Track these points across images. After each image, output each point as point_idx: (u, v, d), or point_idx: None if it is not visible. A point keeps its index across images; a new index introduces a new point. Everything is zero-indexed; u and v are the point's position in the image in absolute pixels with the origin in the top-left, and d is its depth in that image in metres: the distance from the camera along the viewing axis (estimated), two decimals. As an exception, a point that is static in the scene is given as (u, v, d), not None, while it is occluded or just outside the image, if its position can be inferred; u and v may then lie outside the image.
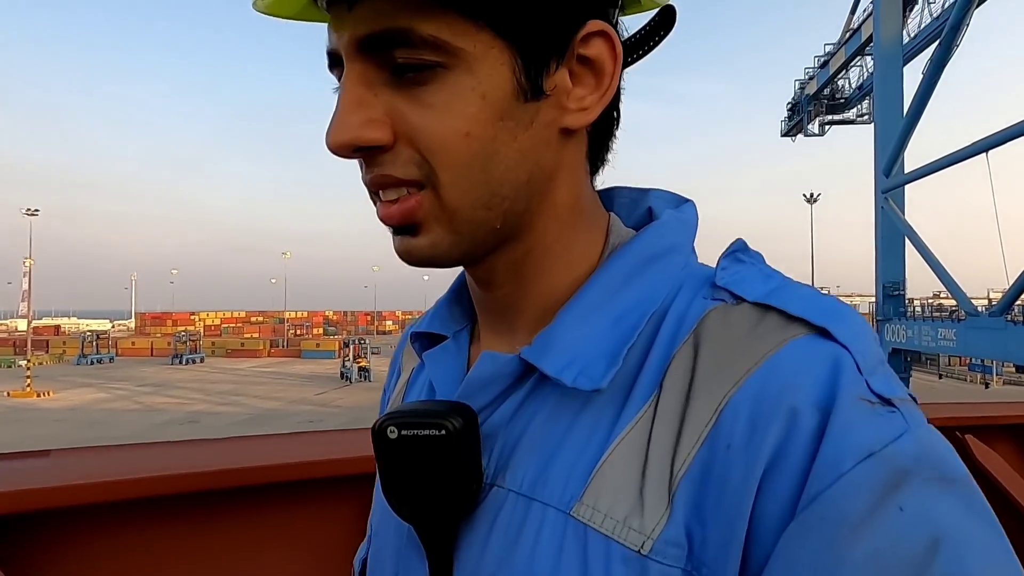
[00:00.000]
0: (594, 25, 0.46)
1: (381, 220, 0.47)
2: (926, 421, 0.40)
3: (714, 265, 0.49)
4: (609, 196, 0.57)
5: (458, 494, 0.46)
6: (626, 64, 0.49)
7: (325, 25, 0.47)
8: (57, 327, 76.47)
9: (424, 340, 0.59)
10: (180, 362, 49.08)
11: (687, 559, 0.39)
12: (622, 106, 0.52)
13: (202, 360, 52.06)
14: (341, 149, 0.44)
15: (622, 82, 0.49)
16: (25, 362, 39.34)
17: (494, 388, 0.49)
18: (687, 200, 0.55)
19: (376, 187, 0.46)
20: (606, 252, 0.52)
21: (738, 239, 0.51)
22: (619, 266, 0.49)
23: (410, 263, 0.48)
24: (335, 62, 0.46)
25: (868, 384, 0.39)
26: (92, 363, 49.49)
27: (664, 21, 0.52)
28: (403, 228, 0.47)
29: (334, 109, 0.44)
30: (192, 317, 70.70)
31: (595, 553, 0.41)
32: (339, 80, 0.46)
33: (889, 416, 0.38)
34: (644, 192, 0.57)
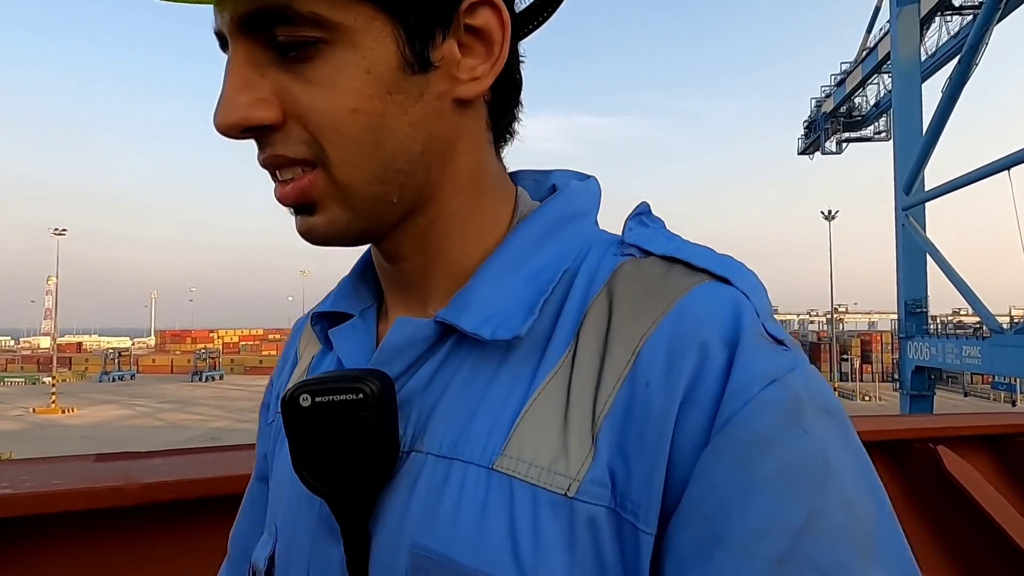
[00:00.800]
0: None
1: (278, 200, 0.46)
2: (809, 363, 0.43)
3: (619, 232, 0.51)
4: (514, 177, 0.57)
5: (375, 462, 0.44)
6: (522, 36, 0.50)
7: None
8: (79, 344, 77.47)
9: (326, 322, 0.57)
10: (200, 379, 49.66)
11: (611, 497, 0.40)
12: (521, 75, 0.52)
13: (221, 377, 52.61)
14: (229, 130, 0.43)
15: (521, 51, 0.49)
16: (49, 379, 39.98)
17: (410, 353, 0.48)
18: (590, 176, 0.57)
19: (270, 167, 0.46)
20: (515, 220, 0.52)
21: (643, 202, 0.53)
22: (531, 229, 0.50)
23: (312, 242, 0.47)
24: (224, 43, 0.45)
25: (764, 326, 0.42)
26: (114, 380, 50.20)
27: None
28: (300, 208, 0.46)
29: (220, 89, 0.43)
30: (211, 335, 71.29)
31: (521, 502, 0.40)
32: None
33: (784, 352, 0.41)
34: (547, 172, 0.58)
